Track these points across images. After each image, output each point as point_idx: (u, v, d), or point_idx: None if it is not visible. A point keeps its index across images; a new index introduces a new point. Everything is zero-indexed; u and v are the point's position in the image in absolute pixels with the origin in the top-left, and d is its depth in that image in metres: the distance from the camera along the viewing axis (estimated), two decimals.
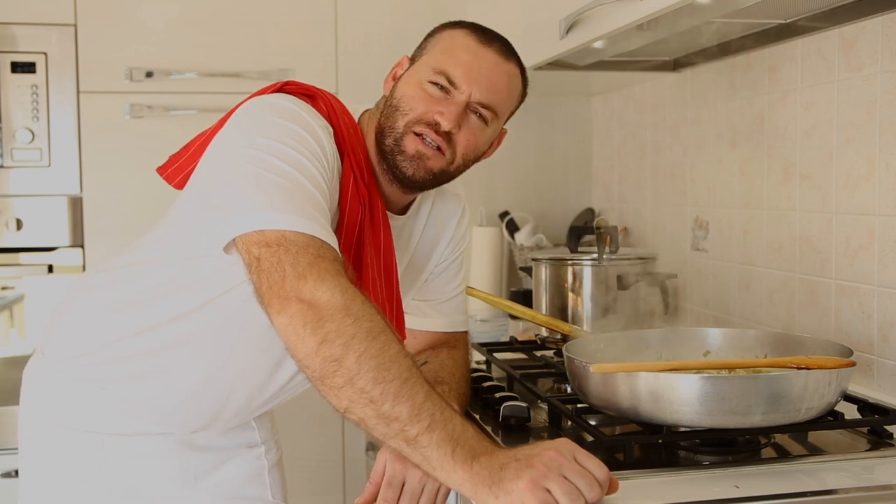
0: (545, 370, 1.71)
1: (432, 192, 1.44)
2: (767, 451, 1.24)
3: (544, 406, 1.49)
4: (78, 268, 2.46)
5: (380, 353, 1.00)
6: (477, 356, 1.84)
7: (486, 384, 1.55)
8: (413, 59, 1.35)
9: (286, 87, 1.29)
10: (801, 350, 1.37)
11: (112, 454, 1.33)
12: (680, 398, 1.14)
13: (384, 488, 1.16)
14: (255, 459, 1.44)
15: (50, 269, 2.44)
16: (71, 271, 2.45)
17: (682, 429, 1.20)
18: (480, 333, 2.28)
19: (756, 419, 1.15)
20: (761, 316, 1.91)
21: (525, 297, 2.15)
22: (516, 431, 1.37)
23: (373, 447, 2.14)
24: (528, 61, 1.38)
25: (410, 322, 1.50)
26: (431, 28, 1.37)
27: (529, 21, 2.02)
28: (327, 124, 1.25)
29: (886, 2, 1.49)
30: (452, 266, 1.53)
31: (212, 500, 1.39)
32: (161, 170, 1.39)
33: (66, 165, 2.44)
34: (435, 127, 1.27)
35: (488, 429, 1.37)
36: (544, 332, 1.88)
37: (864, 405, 1.32)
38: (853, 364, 1.22)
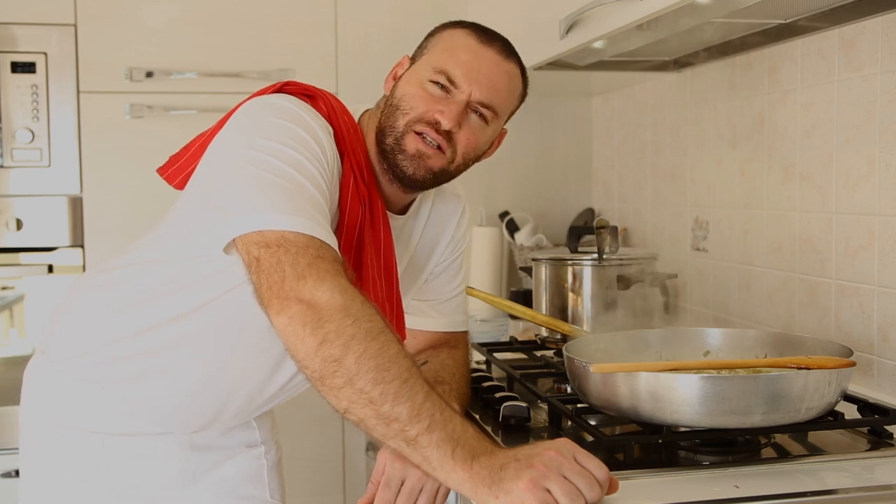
0: (545, 370, 1.71)
1: (432, 192, 1.44)
2: (767, 451, 1.24)
3: (544, 406, 1.49)
4: (78, 268, 2.46)
5: (379, 354, 1.00)
6: (477, 356, 1.84)
7: (486, 384, 1.55)
8: (414, 59, 1.35)
9: (286, 88, 1.29)
10: (801, 350, 1.37)
11: (112, 454, 1.33)
12: (680, 398, 1.14)
13: (381, 489, 1.16)
14: (254, 459, 1.44)
15: (50, 269, 2.44)
16: (71, 271, 2.45)
17: (682, 429, 1.20)
18: (480, 333, 2.28)
19: (756, 419, 1.15)
20: (761, 316, 1.91)
21: (525, 297, 2.14)
22: (516, 431, 1.37)
23: (373, 447, 2.14)
24: (528, 61, 1.38)
25: (411, 322, 1.50)
26: (431, 28, 1.38)
27: (529, 21, 2.02)
28: (327, 124, 1.25)
29: (886, 2, 1.49)
30: (452, 266, 1.53)
31: (210, 499, 1.39)
32: (161, 170, 1.39)
33: (66, 165, 2.44)
34: (435, 126, 1.27)
35: (488, 429, 1.37)
36: (544, 332, 1.88)
37: (864, 405, 1.32)
38: (853, 364, 1.22)
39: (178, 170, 1.36)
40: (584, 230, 2.00)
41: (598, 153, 2.80)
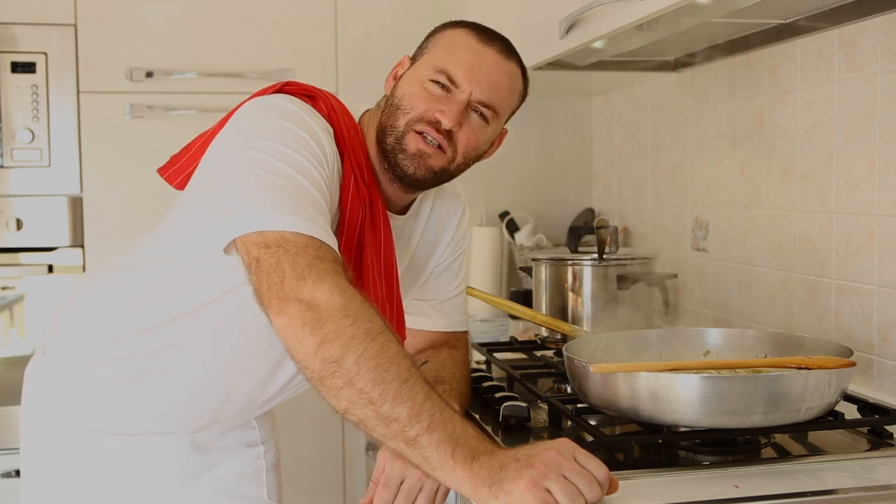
0: (545, 370, 1.71)
1: (432, 192, 1.44)
2: (767, 451, 1.24)
3: (544, 406, 1.49)
4: (78, 268, 2.46)
5: (379, 354, 1.00)
6: (477, 356, 1.84)
7: (486, 384, 1.55)
8: (414, 59, 1.35)
9: (286, 88, 1.29)
10: (801, 350, 1.37)
11: (112, 454, 1.33)
12: (680, 398, 1.14)
13: (380, 488, 1.16)
14: (253, 459, 1.45)
15: (50, 269, 2.44)
16: (71, 271, 2.45)
17: (682, 429, 1.20)
18: (480, 333, 2.28)
19: (756, 419, 1.15)
20: (761, 316, 1.91)
21: (525, 297, 2.15)
22: (516, 431, 1.37)
23: (373, 447, 2.14)
24: (528, 61, 1.38)
25: (411, 322, 1.50)
26: (431, 28, 1.38)
27: (529, 21, 2.02)
28: (327, 125, 1.25)
29: (886, 2, 1.49)
30: (453, 266, 1.53)
31: (209, 498, 1.39)
32: (162, 170, 1.39)
33: (66, 165, 2.44)
34: (436, 125, 1.27)
35: (488, 429, 1.37)
36: (544, 332, 1.88)
37: (864, 405, 1.32)
38: (853, 364, 1.22)
39: (178, 170, 1.36)
40: (584, 230, 2.00)
41: (598, 153, 2.80)
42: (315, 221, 1.10)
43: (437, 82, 1.28)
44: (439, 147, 1.28)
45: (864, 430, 1.31)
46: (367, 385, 0.99)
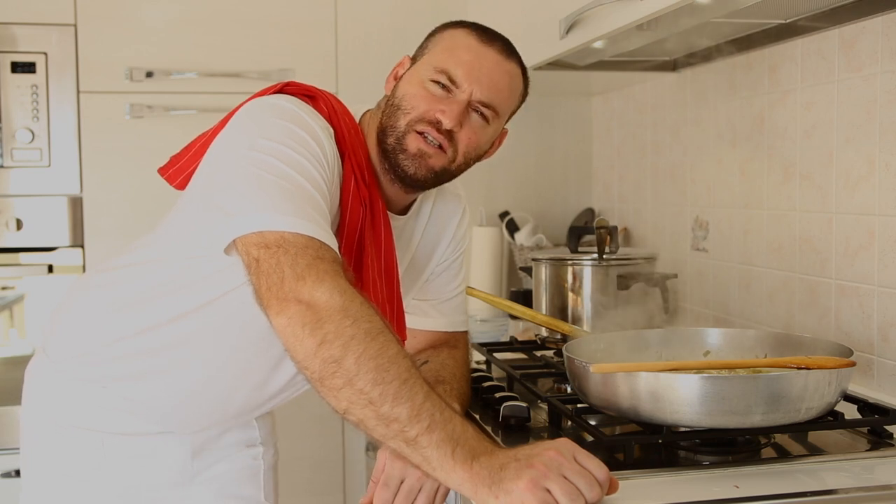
0: (545, 370, 1.71)
1: (433, 192, 1.44)
2: (767, 451, 1.24)
3: (544, 406, 1.49)
4: (78, 268, 2.46)
5: (378, 354, 1.00)
6: (477, 356, 1.84)
7: (486, 384, 1.55)
8: (414, 59, 1.35)
9: (287, 88, 1.29)
10: (801, 350, 1.37)
11: (112, 453, 1.33)
12: (680, 398, 1.14)
13: (380, 488, 1.16)
14: (252, 459, 1.45)
15: (50, 269, 2.44)
16: (71, 271, 2.45)
17: (682, 429, 1.20)
18: (480, 333, 2.28)
19: (756, 419, 1.15)
20: (761, 316, 1.91)
21: (525, 297, 2.14)
22: (516, 431, 1.37)
23: (373, 447, 2.14)
24: (528, 61, 1.39)
25: (411, 322, 1.50)
26: (431, 28, 1.38)
27: (529, 21, 2.02)
28: (328, 125, 1.25)
29: (886, 2, 1.49)
30: (453, 266, 1.53)
31: (207, 497, 1.39)
32: (162, 170, 1.39)
33: (66, 165, 2.44)
34: (437, 125, 1.27)
35: (488, 429, 1.37)
36: (544, 332, 1.88)
37: (864, 405, 1.32)
38: (853, 364, 1.22)
39: (178, 170, 1.36)
40: (584, 230, 2.00)
41: (598, 153, 2.80)
42: (315, 222, 1.10)
43: (437, 82, 1.28)
44: (440, 147, 1.28)
45: (864, 430, 1.31)
46: (367, 385, 0.99)
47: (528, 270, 2.12)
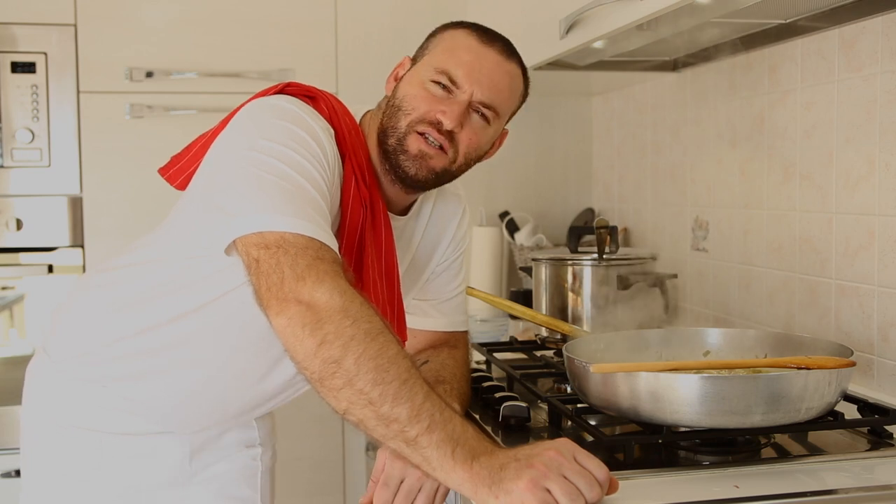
0: (545, 370, 1.71)
1: (433, 192, 1.44)
2: (767, 451, 1.24)
3: (544, 406, 1.49)
4: (78, 268, 2.46)
5: (378, 355, 1.00)
6: (477, 356, 1.84)
7: (486, 384, 1.55)
8: (415, 60, 1.35)
9: (288, 89, 1.29)
10: (801, 350, 1.37)
11: (112, 453, 1.34)
12: (680, 398, 1.14)
13: (380, 488, 1.16)
14: (250, 460, 1.45)
15: (50, 269, 2.44)
16: (71, 271, 2.45)
17: (682, 429, 1.20)
18: (480, 333, 2.28)
19: (756, 419, 1.15)
20: (761, 316, 1.91)
21: (525, 297, 2.14)
22: (516, 431, 1.37)
23: (373, 447, 2.14)
24: (528, 61, 1.38)
25: (411, 322, 1.50)
26: (431, 28, 1.38)
27: (529, 21, 2.02)
28: (328, 126, 1.25)
29: (886, 2, 1.49)
30: (453, 266, 1.53)
31: (205, 497, 1.39)
32: (163, 171, 1.39)
33: (66, 165, 2.44)
34: (437, 126, 1.27)
35: (488, 429, 1.37)
36: (544, 332, 1.88)
37: (864, 405, 1.32)
38: (853, 364, 1.22)
39: (179, 170, 1.36)
40: (584, 230, 2.00)
41: (598, 153, 2.80)
42: (315, 223, 1.10)
43: (438, 83, 1.28)
44: (441, 148, 1.28)
45: (864, 430, 1.31)
46: (367, 385, 0.99)
47: (528, 270, 2.12)
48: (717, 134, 2.08)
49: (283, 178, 1.13)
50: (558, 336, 1.82)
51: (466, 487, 0.96)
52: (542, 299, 1.94)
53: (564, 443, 1.00)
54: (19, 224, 2.41)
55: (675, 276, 1.95)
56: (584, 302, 1.85)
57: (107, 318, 1.32)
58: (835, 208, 1.67)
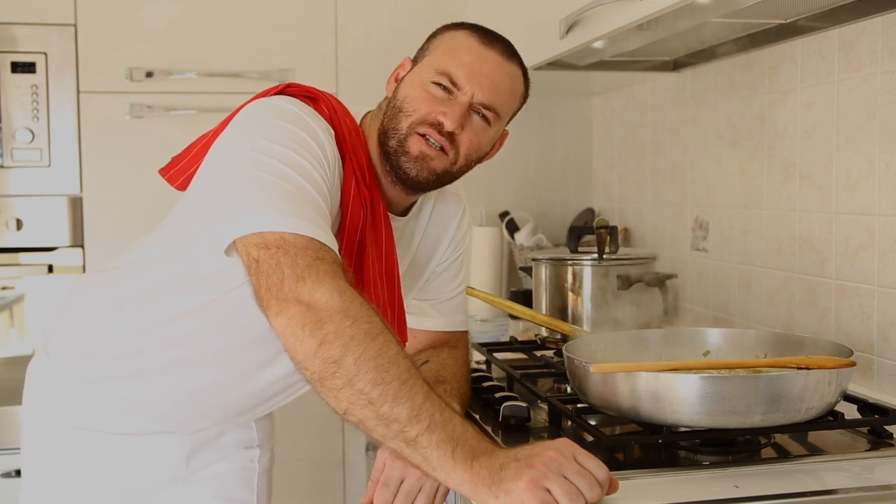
0: (545, 370, 1.71)
1: (433, 192, 1.44)
2: (767, 451, 1.24)
3: (544, 406, 1.49)
4: (78, 268, 2.46)
5: (378, 355, 1.00)
6: (477, 356, 1.84)
7: (486, 384, 1.55)
8: (415, 61, 1.35)
9: (288, 90, 1.29)
10: (801, 350, 1.37)
11: (112, 453, 1.34)
12: (680, 398, 1.14)
13: (380, 488, 1.16)
14: (248, 461, 1.45)
15: (50, 269, 2.44)
16: (71, 271, 2.45)
17: (682, 429, 1.20)
18: (480, 333, 2.28)
19: (756, 419, 1.15)
20: (761, 316, 1.91)
21: (525, 297, 2.14)
22: (516, 431, 1.37)
23: (373, 447, 2.14)
24: (528, 61, 1.38)
25: (411, 322, 1.50)
26: (431, 28, 1.38)
27: (529, 21, 2.02)
28: (329, 127, 1.25)
29: (886, 2, 1.49)
30: (453, 266, 1.53)
31: (201, 497, 1.39)
32: (163, 171, 1.39)
33: (66, 165, 2.44)
34: (438, 127, 1.27)
35: (488, 429, 1.37)
36: (544, 332, 1.88)
37: (864, 405, 1.32)
38: (853, 364, 1.22)
39: (179, 171, 1.36)
40: (584, 230, 2.00)
41: (598, 153, 2.80)
42: (315, 223, 1.10)
43: (439, 84, 1.28)
44: (441, 149, 1.28)
45: (864, 430, 1.31)
46: (367, 385, 0.99)
47: (528, 270, 2.12)
48: (717, 134, 2.08)
49: (283, 179, 1.13)
50: (558, 336, 1.82)
51: (466, 487, 0.96)
52: (542, 299, 1.94)
53: (564, 443, 1.00)
54: (19, 224, 2.42)
55: (675, 276, 1.95)
56: (584, 302, 1.85)
57: (107, 317, 1.32)
58: (835, 208, 1.67)
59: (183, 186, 1.35)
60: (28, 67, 2.40)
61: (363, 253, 1.27)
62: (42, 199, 2.44)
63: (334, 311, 1.02)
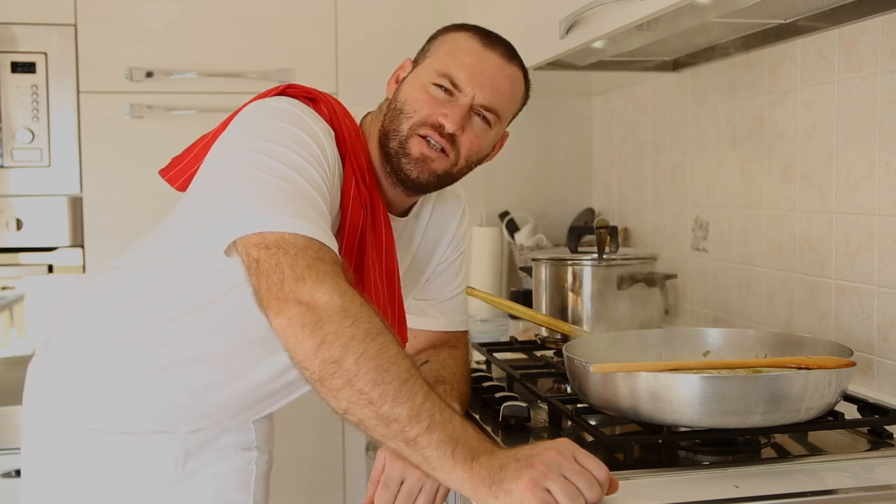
0: (545, 370, 1.71)
1: (433, 193, 1.44)
2: (767, 451, 1.24)
3: (544, 406, 1.49)
4: (78, 268, 2.46)
5: (378, 355, 1.00)
6: (477, 356, 1.84)
7: (486, 384, 1.55)
8: (416, 62, 1.35)
9: (288, 91, 1.29)
10: (801, 350, 1.37)
11: (112, 452, 1.34)
12: (680, 398, 1.14)
13: (380, 489, 1.16)
14: (245, 464, 1.44)
15: (50, 269, 2.44)
16: (71, 271, 2.45)
17: (682, 429, 1.20)
18: (480, 333, 2.28)
19: (756, 419, 1.15)
20: (761, 316, 1.91)
21: (525, 297, 2.14)
22: (516, 431, 1.37)
23: (373, 447, 2.14)
24: (528, 61, 1.39)
25: (411, 322, 1.50)
26: (431, 28, 1.38)
27: (529, 21, 2.02)
28: (329, 128, 1.25)
29: (886, 2, 1.49)
30: (453, 266, 1.53)
31: (197, 498, 1.39)
32: (163, 172, 1.39)
33: (66, 165, 2.44)
34: (439, 129, 1.27)
35: (488, 429, 1.37)
36: (544, 332, 1.88)
37: (864, 405, 1.32)
38: (853, 364, 1.22)
39: (179, 172, 1.36)
40: (584, 230, 2.00)
41: (598, 153, 2.80)
42: (315, 223, 1.11)
43: (440, 86, 1.28)
44: (442, 151, 1.28)
45: (864, 430, 1.31)
46: (367, 385, 0.99)
47: (528, 270, 2.12)
48: (717, 134, 2.08)
49: (283, 179, 1.13)
50: (558, 336, 1.82)
51: (466, 487, 0.96)
52: (542, 299, 1.94)
53: (564, 443, 1.00)
54: (19, 224, 2.42)
55: (675, 276, 1.95)
56: (584, 302, 1.85)
57: (107, 317, 1.32)
58: (835, 208, 1.67)
59: (183, 187, 1.35)
60: (28, 67, 2.40)
61: (363, 254, 1.27)
62: (42, 199, 2.44)
63: (334, 311, 1.02)
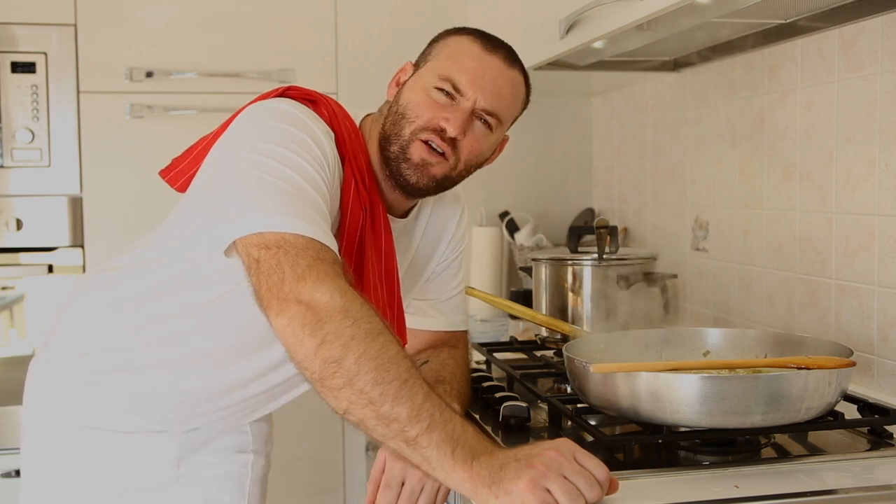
0: (545, 370, 1.71)
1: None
2: (767, 451, 1.24)
3: (544, 406, 1.49)
4: (78, 268, 2.46)
5: (379, 355, 1.00)
6: (477, 356, 1.84)
7: (486, 384, 1.55)
8: (417, 65, 1.35)
9: (288, 92, 1.29)
10: (801, 350, 1.37)
11: (112, 452, 1.34)
12: (680, 398, 1.14)
13: (382, 490, 1.16)
14: (240, 466, 1.44)
15: (50, 269, 2.44)
16: (71, 271, 2.45)
17: (682, 429, 1.20)
18: (480, 333, 2.28)
19: (756, 419, 1.15)
20: (761, 316, 1.91)
21: (525, 297, 2.14)
22: (516, 431, 1.37)
23: (373, 447, 2.14)
24: (528, 61, 1.39)
25: (411, 322, 1.50)
26: (431, 29, 1.38)
27: (529, 21, 2.02)
28: (329, 129, 1.25)
29: (886, 2, 1.49)
30: (452, 266, 1.53)
31: (192, 498, 1.39)
32: (163, 173, 1.39)
33: (66, 165, 2.44)
34: (441, 133, 1.27)
35: (488, 429, 1.37)
36: (544, 332, 1.88)
37: (864, 405, 1.32)
38: (853, 364, 1.22)
39: (179, 173, 1.36)
40: (584, 230, 2.00)
41: (598, 153, 2.80)
42: (315, 223, 1.11)
43: (441, 90, 1.28)
44: (443, 155, 1.28)
45: (864, 430, 1.31)
46: (367, 385, 0.99)
47: (528, 270, 2.12)
48: (717, 134, 2.08)
49: (283, 180, 1.13)
50: (558, 336, 1.82)
51: (466, 487, 0.96)
52: (542, 299, 1.94)
53: (564, 443, 1.00)
54: (19, 224, 2.42)
55: (675, 276, 1.95)
56: (584, 302, 1.85)
57: (107, 317, 1.33)
58: (835, 208, 1.67)
59: (183, 188, 1.36)
60: (28, 67, 2.40)
61: (363, 255, 1.27)
62: (42, 199, 2.44)
63: (335, 311, 1.02)
